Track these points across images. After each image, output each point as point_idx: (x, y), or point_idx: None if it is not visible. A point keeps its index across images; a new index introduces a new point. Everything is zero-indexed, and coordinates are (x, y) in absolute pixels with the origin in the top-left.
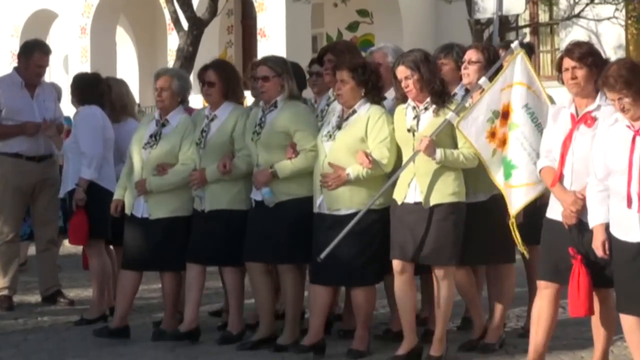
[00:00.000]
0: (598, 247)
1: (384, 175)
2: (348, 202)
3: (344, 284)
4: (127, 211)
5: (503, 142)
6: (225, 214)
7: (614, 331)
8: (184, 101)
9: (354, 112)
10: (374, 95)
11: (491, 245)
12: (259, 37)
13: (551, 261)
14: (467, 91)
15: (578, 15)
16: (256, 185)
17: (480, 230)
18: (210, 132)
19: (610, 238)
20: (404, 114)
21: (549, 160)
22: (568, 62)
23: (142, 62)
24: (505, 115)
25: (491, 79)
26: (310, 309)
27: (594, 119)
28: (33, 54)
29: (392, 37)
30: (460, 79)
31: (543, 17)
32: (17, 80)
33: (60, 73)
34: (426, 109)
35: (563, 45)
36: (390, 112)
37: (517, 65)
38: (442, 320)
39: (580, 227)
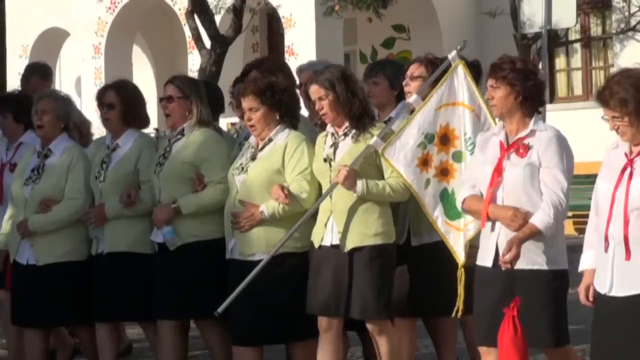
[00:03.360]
0: (581, 290)
1: (305, 213)
2: (264, 245)
3: (276, 342)
4: (11, 258)
5: (443, 172)
6: (126, 257)
7: None
8: (67, 128)
9: (270, 140)
10: (292, 118)
11: (446, 293)
12: (287, 55)
13: (487, 319)
14: (411, 112)
15: (634, 29)
16: (156, 223)
17: (434, 276)
18: (111, 164)
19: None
20: (324, 142)
21: (475, 191)
22: (488, 80)
23: (161, 83)
24: (444, 139)
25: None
26: None
27: (527, 147)
28: (30, 79)
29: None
30: (397, 100)
31: (595, 30)
32: None
33: (72, 97)
34: (345, 135)
35: (617, 61)
36: None
37: (455, 81)
38: None
39: (514, 273)
